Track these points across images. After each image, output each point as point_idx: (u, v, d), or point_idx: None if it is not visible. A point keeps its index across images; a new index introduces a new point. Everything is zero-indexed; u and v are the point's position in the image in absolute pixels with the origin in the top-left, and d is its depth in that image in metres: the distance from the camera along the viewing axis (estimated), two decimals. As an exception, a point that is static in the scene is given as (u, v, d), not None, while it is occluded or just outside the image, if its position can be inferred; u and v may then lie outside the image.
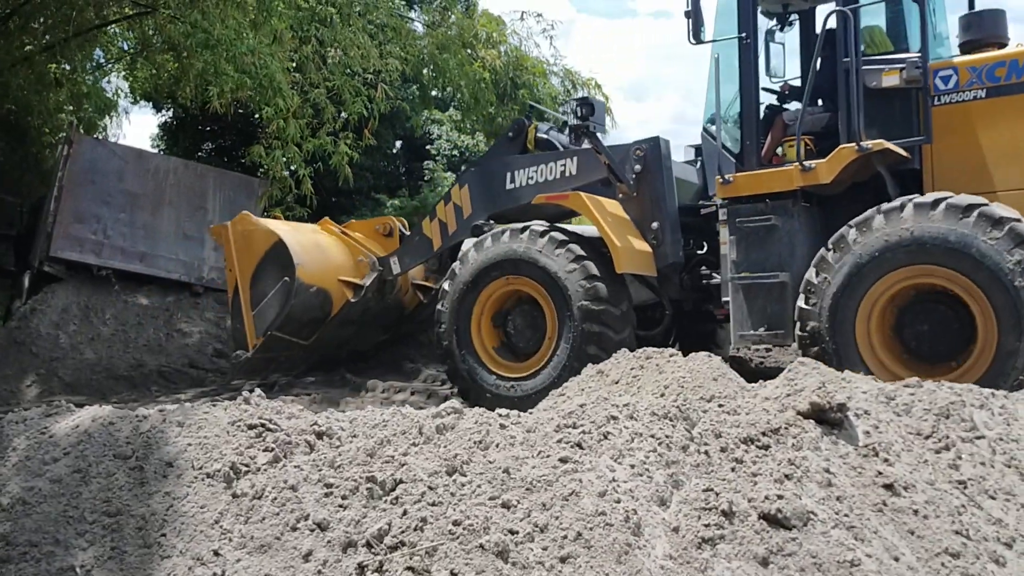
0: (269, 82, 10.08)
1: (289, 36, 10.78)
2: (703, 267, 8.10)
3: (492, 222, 8.34)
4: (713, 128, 7.71)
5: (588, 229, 7.88)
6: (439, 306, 7.99)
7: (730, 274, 6.95)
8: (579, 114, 7.96)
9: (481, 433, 3.04)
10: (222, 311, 11.76)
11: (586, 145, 8.10)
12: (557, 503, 2.75)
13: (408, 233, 9.44)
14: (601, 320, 7.09)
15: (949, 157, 6.63)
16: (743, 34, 7.23)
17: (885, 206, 6.12)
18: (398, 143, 26.95)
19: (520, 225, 7.71)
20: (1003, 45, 6.85)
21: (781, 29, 8.17)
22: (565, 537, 2.63)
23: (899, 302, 6.07)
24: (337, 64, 11.27)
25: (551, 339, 7.30)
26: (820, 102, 7.55)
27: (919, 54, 6.65)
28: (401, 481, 2.80)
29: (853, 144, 6.43)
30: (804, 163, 6.63)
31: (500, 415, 3.20)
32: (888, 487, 3.09)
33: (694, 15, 7.24)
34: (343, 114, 11.54)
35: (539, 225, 7.63)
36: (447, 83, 13.15)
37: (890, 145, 6.41)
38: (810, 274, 6.31)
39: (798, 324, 6.35)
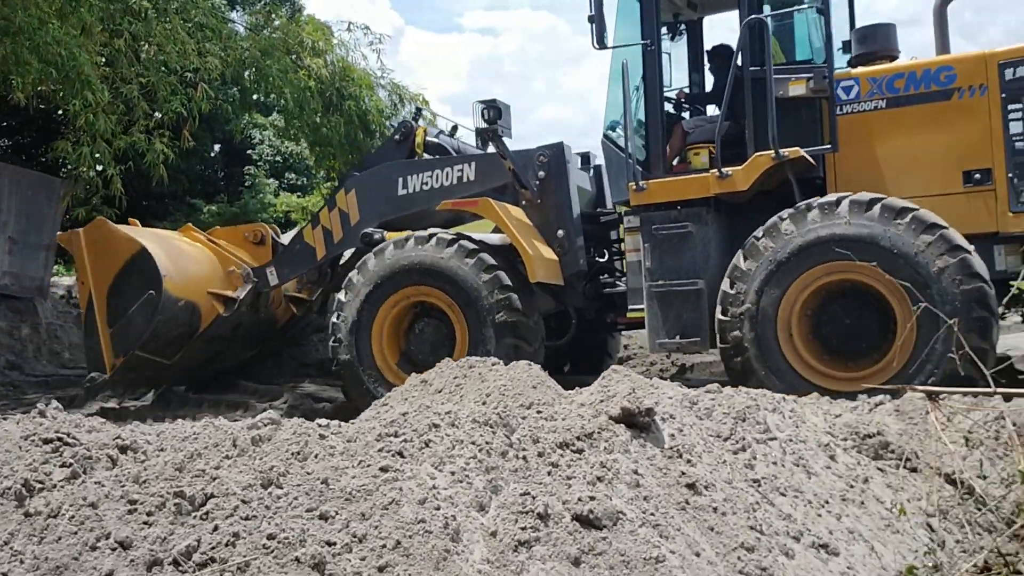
0: (77, 74, 9.40)
1: (99, 28, 10.14)
2: (604, 275, 8.15)
3: (383, 230, 7.98)
4: (615, 135, 7.68)
5: (491, 237, 7.70)
6: (334, 318, 7.56)
7: (645, 282, 6.92)
8: (486, 117, 7.76)
9: (299, 444, 2.98)
10: (14, 319, 10.88)
11: (490, 149, 7.92)
12: (377, 512, 2.74)
13: (282, 241, 8.89)
14: (516, 332, 6.93)
15: (851, 166, 6.85)
16: (647, 40, 7.23)
17: (787, 211, 6.24)
18: (217, 147, 25.96)
19: (426, 233, 7.41)
20: (894, 58, 7.16)
21: (672, 39, 8.24)
22: (384, 546, 2.62)
23: (815, 302, 6.18)
24: (152, 60, 10.71)
25: (461, 353, 7.04)
26: (714, 111, 7.75)
27: (824, 64, 6.79)
28: (212, 496, 2.70)
29: (770, 152, 6.54)
30: (722, 170, 6.66)
31: (320, 425, 3.15)
32: (690, 486, 3.28)
33: (598, 20, 7.17)
34: (157, 113, 10.99)
35: (446, 233, 7.37)
36: (270, 88, 12.79)
37: (804, 153, 6.56)
38: (725, 285, 6.35)
39: (719, 336, 6.35)
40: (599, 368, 9.04)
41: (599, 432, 3.45)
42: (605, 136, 7.71)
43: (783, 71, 6.87)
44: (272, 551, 2.53)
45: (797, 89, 6.75)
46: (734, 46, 7.62)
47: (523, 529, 2.86)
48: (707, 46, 8.30)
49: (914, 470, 3.94)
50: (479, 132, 8.08)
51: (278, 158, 25.64)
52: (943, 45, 7.01)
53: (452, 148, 8.61)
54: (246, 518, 2.64)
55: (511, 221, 7.27)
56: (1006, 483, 3.80)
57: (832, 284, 6.13)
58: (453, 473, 3.01)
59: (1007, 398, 4.34)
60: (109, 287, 7.97)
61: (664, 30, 7.96)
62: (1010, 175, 6.36)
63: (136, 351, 7.77)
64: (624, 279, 8.00)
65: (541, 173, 7.70)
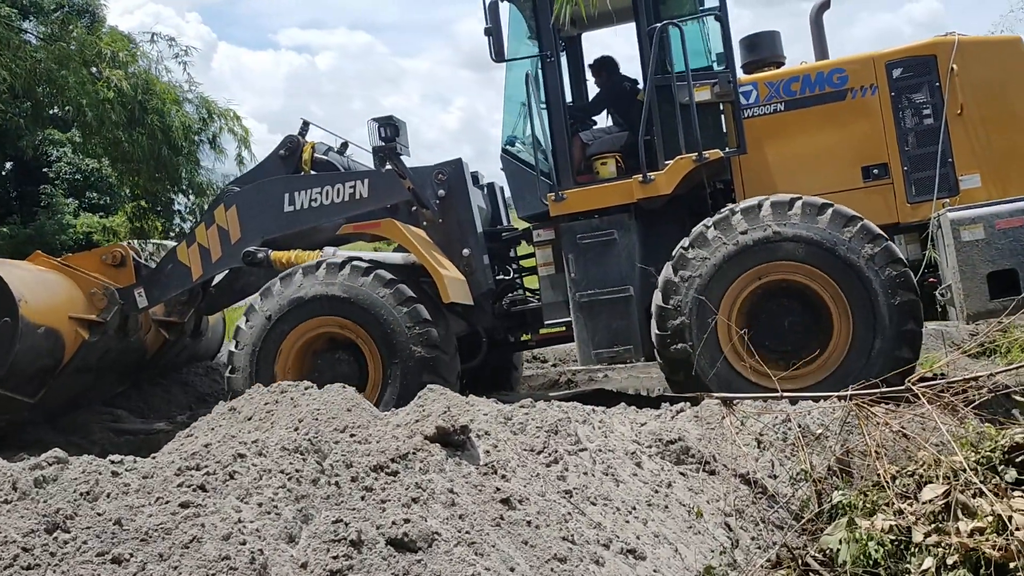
0: None
1: None
2: (512, 293, 7.92)
3: (267, 248, 7.45)
4: (515, 149, 7.52)
5: (392, 256, 7.35)
6: (232, 346, 7.00)
7: (571, 293, 6.76)
8: (383, 135, 7.42)
9: (89, 483, 2.78)
10: None
11: (387, 167, 7.54)
12: (176, 552, 2.60)
13: (143, 261, 8.14)
14: (435, 369, 6.64)
15: (756, 168, 7.00)
16: (547, 52, 7.12)
17: (710, 219, 6.30)
18: (8, 164, 24.05)
19: (339, 259, 6.99)
20: (780, 64, 7.38)
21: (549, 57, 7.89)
22: (184, 587, 2.49)
23: (752, 306, 6.23)
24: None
25: (374, 386, 6.71)
26: (609, 121, 7.73)
27: (727, 69, 6.90)
28: (-12, 545, 2.47)
29: (691, 155, 6.60)
30: (646, 175, 6.66)
31: (113, 461, 2.96)
32: (505, 502, 3.32)
33: (495, 34, 7.03)
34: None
35: (361, 260, 6.96)
36: (66, 101, 11.96)
37: (723, 155, 6.65)
38: (658, 299, 6.28)
39: (658, 349, 6.27)
40: (506, 385, 8.93)
41: (414, 453, 3.44)
42: (505, 151, 7.57)
43: (684, 78, 6.94)
44: (58, 602, 2.35)
45: (702, 95, 6.87)
46: (615, 59, 7.80)
47: (335, 558, 2.80)
48: (588, 60, 8.29)
49: (713, 473, 4.18)
50: (376, 150, 7.71)
51: (78, 176, 24.02)
52: (821, 51, 7.38)
53: (341, 165, 8.20)
54: (27, 567, 2.44)
55: (418, 241, 7.05)
56: (794, 481, 4.09)
57: (767, 285, 6.26)
58: (260, 504, 2.91)
59: (793, 401, 4.70)
60: None
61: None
62: (905, 168, 6.73)
63: (8, 386, 6.91)
64: (534, 295, 7.93)
65: (441, 191, 7.49)
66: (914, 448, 3.56)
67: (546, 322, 7.27)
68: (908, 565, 3.05)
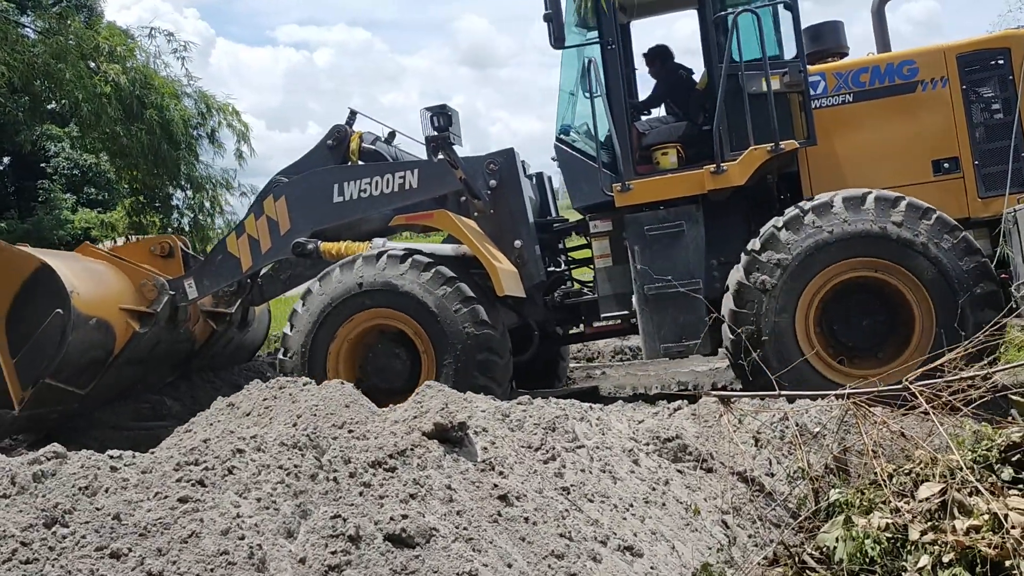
0: None
1: None
2: (564, 285, 7.79)
3: (316, 240, 7.38)
4: (571, 139, 7.39)
5: (443, 248, 7.26)
6: (288, 329, 6.92)
7: (636, 285, 6.64)
8: (436, 124, 7.23)
9: (88, 478, 2.78)
10: None
11: (440, 157, 7.39)
12: (175, 547, 2.60)
13: (190, 252, 8.10)
14: (489, 372, 6.56)
15: (823, 160, 6.86)
16: (608, 39, 7.00)
17: (812, 202, 6.20)
18: (6, 159, 24.01)
19: (400, 251, 6.91)
20: (844, 54, 7.28)
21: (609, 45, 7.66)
22: (183, 581, 2.50)
23: (829, 297, 6.12)
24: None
25: (428, 377, 6.56)
26: (664, 111, 7.59)
27: (796, 59, 6.75)
28: (-13, 539, 2.48)
29: (765, 145, 6.50)
30: (720, 166, 6.55)
31: (112, 456, 2.96)
32: (502, 498, 3.33)
33: (555, 19, 6.92)
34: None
35: (422, 255, 6.86)
36: (64, 96, 11.92)
37: (798, 145, 6.53)
38: (739, 276, 6.18)
39: (729, 326, 6.16)
40: (553, 382, 8.87)
41: (412, 449, 3.44)
42: (560, 141, 7.41)
43: (754, 67, 6.79)
44: (56, 596, 2.35)
45: (772, 84, 6.72)
46: (670, 48, 7.62)
47: (333, 553, 2.81)
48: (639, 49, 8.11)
49: (710, 470, 4.19)
50: (429, 140, 7.49)
51: (76, 171, 23.98)
52: (883, 43, 7.29)
53: (389, 155, 8.08)
54: (26, 562, 2.44)
55: (471, 233, 6.93)
56: (791, 479, 4.11)
57: (843, 283, 6.18)
58: (259, 500, 2.91)
59: (790, 400, 4.71)
60: (7, 312, 7.03)
61: (594, 35, 7.63)
62: (976, 163, 6.61)
63: (46, 380, 6.86)
64: (586, 287, 7.81)
65: (492, 182, 7.35)
66: (911, 447, 3.57)
67: (603, 316, 7.17)
68: (904, 563, 3.06)
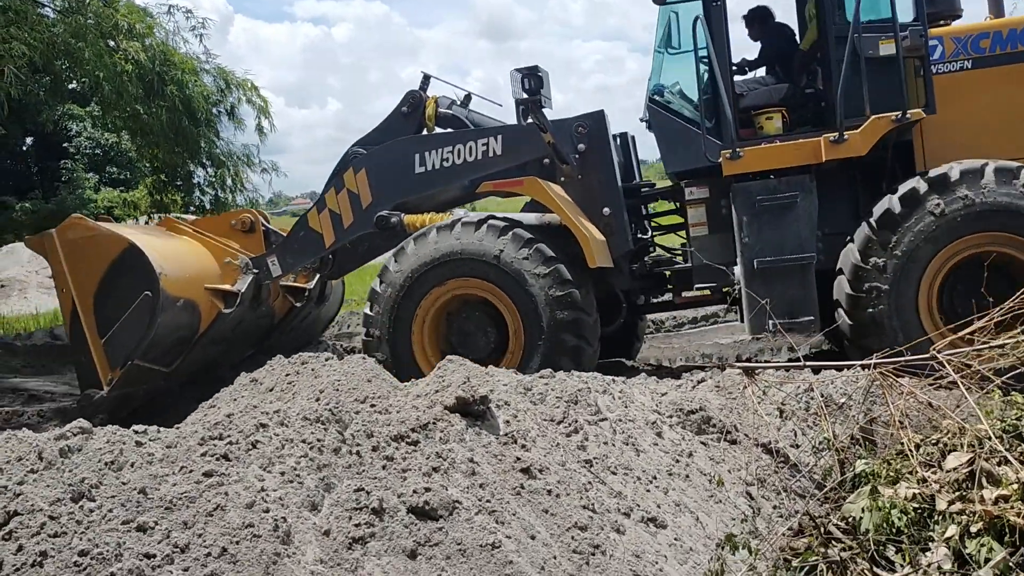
0: None
1: None
2: (649, 253, 7.50)
3: (399, 212, 7.17)
4: (666, 100, 7.12)
5: (526, 217, 7.02)
6: (368, 309, 6.78)
7: (743, 258, 6.38)
8: (527, 87, 6.84)
9: (114, 453, 2.81)
10: None
11: (529, 121, 7.03)
12: (200, 520, 2.62)
13: (272, 227, 7.91)
14: (578, 331, 6.39)
15: (939, 129, 6.49)
16: None
17: (929, 175, 5.97)
18: (29, 140, 24.14)
19: (475, 218, 6.72)
20: (956, 18, 6.90)
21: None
22: (209, 555, 2.52)
23: (951, 275, 5.91)
24: (-58, 43, 9.76)
25: (515, 349, 6.47)
26: (765, 73, 7.26)
27: (916, 22, 6.39)
28: (16, 513, 2.51)
29: (891, 113, 6.19)
30: (842, 134, 6.24)
31: (136, 431, 2.99)
32: (525, 471, 3.33)
33: None
34: (-50, 102, 10.03)
35: (499, 220, 6.66)
36: (84, 75, 11.94)
37: (923, 114, 6.23)
38: (852, 255, 5.97)
39: (849, 309, 6.01)
40: (630, 351, 8.56)
41: (434, 423, 3.45)
42: (653, 102, 7.09)
43: (871, 29, 6.40)
44: (84, 568, 2.38)
45: (887, 49, 6.36)
46: (771, 8, 7.32)
47: (357, 526, 2.83)
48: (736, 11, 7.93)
49: (734, 442, 4.17)
50: (520, 103, 7.09)
51: (97, 151, 24.08)
52: (996, 7, 6.98)
53: (469, 120, 7.75)
54: (55, 535, 2.47)
55: (561, 201, 6.68)
56: (816, 450, 4.08)
57: (966, 259, 5.96)
58: (283, 473, 2.93)
59: (815, 371, 4.66)
60: (95, 293, 7.01)
61: None
62: None
63: (136, 360, 6.87)
64: (673, 255, 7.53)
65: (581, 146, 7.01)
66: (938, 417, 3.53)
67: (696, 286, 6.88)
68: (931, 533, 3.03)
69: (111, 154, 23.89)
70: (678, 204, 7.47)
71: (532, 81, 6.82)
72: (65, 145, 23.81)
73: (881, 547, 3.05)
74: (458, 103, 8.01)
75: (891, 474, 3.38)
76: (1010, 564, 2.81)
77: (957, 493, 3.11)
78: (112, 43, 11.90)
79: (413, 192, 7.29)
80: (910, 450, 3.36)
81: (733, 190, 6.54)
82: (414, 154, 7.20)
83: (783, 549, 3.22)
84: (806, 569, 3.06)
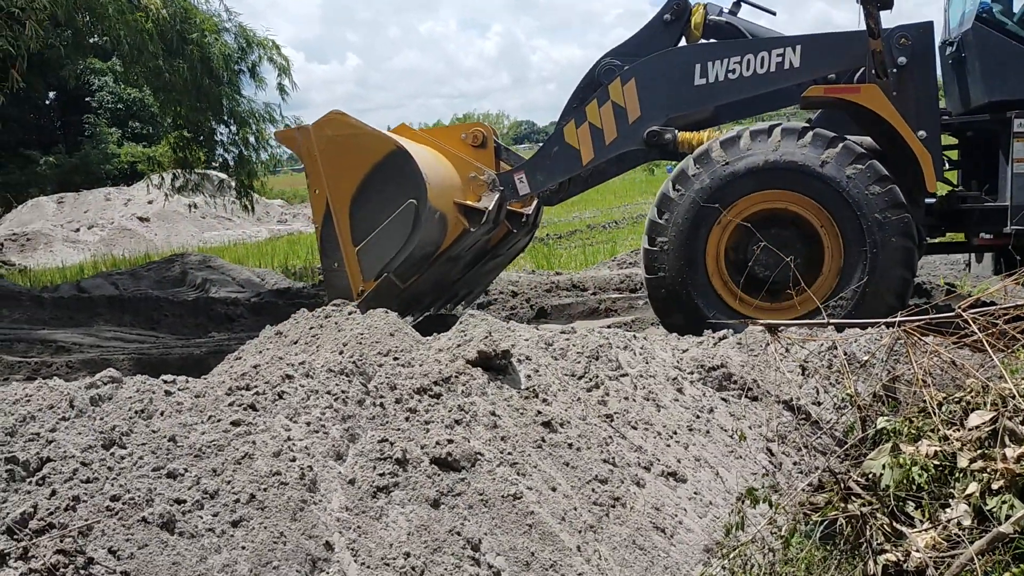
0: None
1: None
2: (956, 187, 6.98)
3: (674, 128, 6.72)
4: (997, 20, 6.59)
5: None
6: (655, 215, 6.32)
7: None
8: None
9: (143, 402, 2.85)
10: None
11: (861, 26, 6.32)
12: (229, 467, 2.67)
13: (501, 143, 7.43)
14: (908, 263, 5.99)
15: None
16: None
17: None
18: (52, 94, 24.23)
19: (798, 126, 6.30)
20: None
21: None
22: (237, 501, 2.57)
23: None
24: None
25: (830, 275, 6.11)
26: None
27: None
28: (49, 459, 2.56)
29: None
30: None
31: (165, 381, 3.03)
32: (546, 424, 3.36)
33: None
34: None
35: (825, 131, 6.23)
36: (105, 32, 11.93)
37: None
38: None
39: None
40: None
41: (456, 376, 3.48)
42: (982, 21, 6.53)
43: None
44: (116, 513, 2.43)
45: None
46: None
47: (381, 475, 2.87)
48: None
49: (755, 399, 4.18)
50: (866, 1, 6.24)
51: (120, 105, 24.19)
52: None
53: (747, 31, 7.14)
54: (87, 481, 2.53)
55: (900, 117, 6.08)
56: (838, 408, 4.09)
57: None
58: (308, 424, 2.97)
59: (839, 329, 4.65)
60: (354, 195, 6.56)
61: None
62: None
63: (391, 273, 6.51)
64: (992, 192, 6.78)
65: (901, 59, 6.35)
66: (962, 376, 3.51)
67: (1013, 227, 6.28)
68: (952, 490, 3.05)
69: (134, 109, 23.99)
70: (969, 136, 6.94)
71: None
72: (88, 100, 23.90)
73: (901, 503, 3.07)
74: (727, 10, 7.41)
75: (913, 432, 3.38)
76: (1031, 521, 2.81)
77: (979, 451, 3.12)
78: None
79: (690, 106, 6.80)
80: (933, 408, 3.35)
81: None
82: (695, 64, 6.71)
83: (803, 504, 3.25)
84: (825, 524, 3.09)
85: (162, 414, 2.85)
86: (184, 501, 2.52)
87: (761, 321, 4.35)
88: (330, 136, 6.63)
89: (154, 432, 2.74)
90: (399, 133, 7.30)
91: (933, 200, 6.67)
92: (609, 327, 6.13)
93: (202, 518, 2.51)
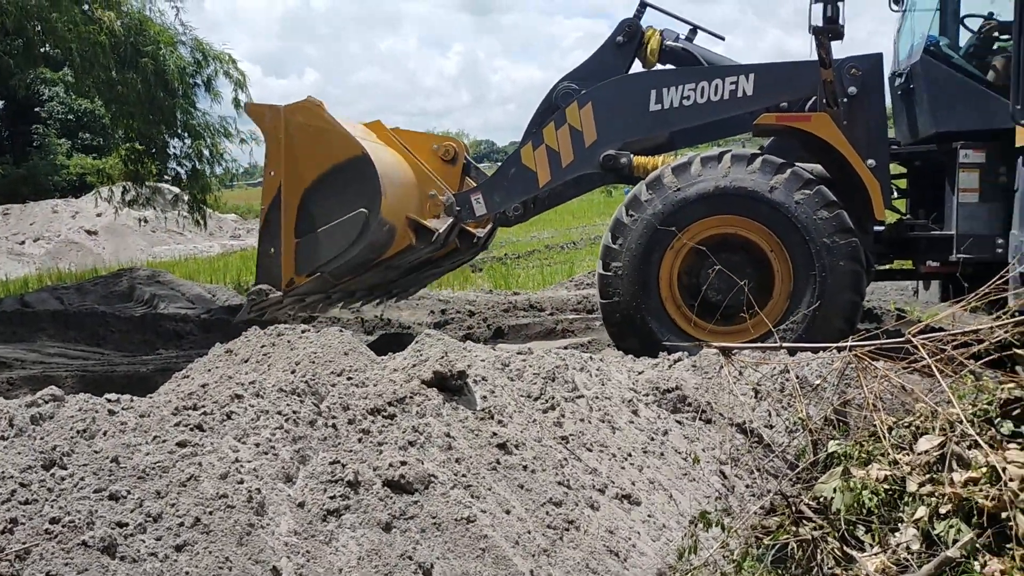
0: None
1: None
2: (905, 216, 7.04)
3: (629, 153, 6.75)
4: (943, 53, 6.66)
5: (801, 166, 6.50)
6: (610, 240, 6.34)
7: None
8: (828, 14, 6.13)
9: (86, 421, 2.77)
10: None
11: (813, 57, 6.36)
12: (174, 489, 2.60)
13: (472, 162, 7.39)
14: (857, 287, 6.01)
15: None
16: None
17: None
18: (0, 103, 23.73)
19: (747, 152, 6.36)
20: None
21: None
22: (182, 524, 2.50)
23: None
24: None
25: (780, 300, 6.15)
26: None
27: None
28: (-15, 480, 2.47)
29: None
30: None
31: (109, 400, 2.95)
32: (501, 446, 3.33)
33: None
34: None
35: (773, 157, 6.29)
36: (56, 43, 11.73)
37: None
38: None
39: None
40: None
41: (411, 397, 3.44)
42: (930, 54, 6.64)
43: None
44: (56, 536, 2.35)
45: None
46: None
47: (332, 498, 2.82)
48: None
49: (709, 421, 4.19)
50: (817, 31, 6.23)
51: (70, 116, 23.76)
52: None
53: (702, 57, 7.22)
54: (25, 502, 2.44)
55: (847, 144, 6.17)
56: (790, 431, 4.12)
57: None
58: (257, 445, 2.91)
59: (791, 352, 4.70)
60: (307, 188, 6.50)
61: None
62: None
63: (325, 272, 6.52)
64: (939, 220, 6.85)
65: (852, 89, 6.42)
66: (911, 400, 3.56)
67: (958, 255, 6.35)
68: (901, 514, 3.08)
69: (84, 120, 23.57)
70: (917, 165, 7.07)
71: (831, 8, 6.14)
72: (37, 110, 23.44)
73: (851, 527, 3.09)
74: (684, 36, 7.48)
75: (863, 455, 3.42)
76: (977, 545, 2.85)
77: (928, 475, 3.16)
78: (87, 7, 11.68)
79: (646, 131, 6.90)
80: (883, 432, 3.39)
81: None
82: (650, 90, 6.79)
83: (755, 527, 3.26)
84: (777, 547, 3.10)
85: (105, 434, 2.77)
86: (126, 524, 2.45)
87: (715, 344, 4.38)
88: (300, 123, 6.55)
89: (96, 453, 2.66)
90: (373, 129, 7.23)
91: (882, 228, 6.79)
92: (566, 348, 6.16)
93: (145, 542, 2.43)
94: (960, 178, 6.41)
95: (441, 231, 6.85)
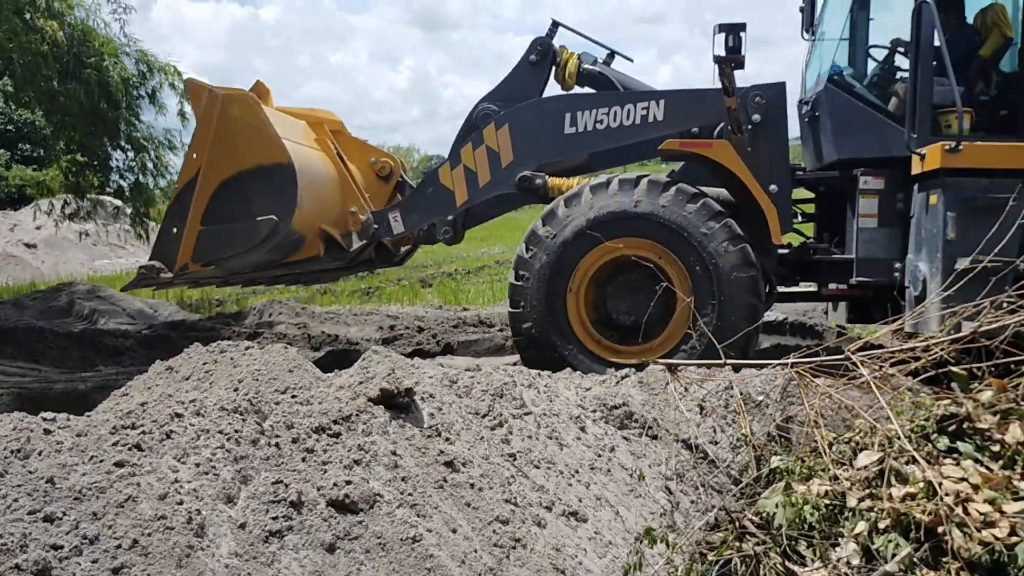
0: None
1: None
2: (808, 240, 7.22)
3: (544, 174, 6.84)
4: (847, 83, 6.82)
5: (707, 190, 6.66)
6: (514, 279, 6.40)
7: (945, 256, 5.96)
8: (730, 44, 6.28)
9: (20, 440, 2.69)
10: None
11: (717, 85, 6.52)
12: (111, 511, 2.54)
13: (407, 181, 7.35)
14: (754, 289, 6.12)
15: None
16: None
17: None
18: (-66, 113, 23.08)
19: (633, 176, 6.44)
20: None
21: None
22: (119, 547, 2.44)
23: None
24: None
25: (682, 316, 6.19)
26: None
27: None
28: (-89, 503, 2.38)
29: None
30: None
31: (44, 418, 2.87)
32: (448, 464, 3.31)
33: None
34: None
35: (658, 176, 6.45)
36: (-2, 54, 11.44)
37: None
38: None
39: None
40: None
41: (357, 415, 3.40)
42: (834, 83, 6.86)
43: None
44: (-15, 560, 2.27)
45: None
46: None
47: (275, 519, 2.77)
48: None
49: (655, 437, 4.23)
50: (720, 60, 6.39)
51: (10, 127, 23.18)
52: None
53: (618, 81, 7.36)
54: (-46, 526, 2.36)
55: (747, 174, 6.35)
56: (734, 447, 4.17)
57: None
58: (198, 465, 2.85)
59: (736, 369, 4.76)
60: (225, 180, 6.42)
61: None
62: None
63: (221, 264, 6.48)
64: (841, 244, 7.07)
65: (756, 116, 6.63)
66: (851, 416, 3.63)
67: (857, 279, 6.63)
68: (841, 529, 3.12)
69: (24, 131, 23.02)
70: (822, 190, 7.25)
71: (734, 39, 6.31)
72: (-26, 121, 22.84)
73: (793, 542, 3.13)
74: (601, 60, 7.62)
75: (805, 471, 3.47)
76: (915, 559, 2.91)
77: (867, 491, 3.21)
78: (28, 16, 11.42)
79: (561, 153, 7.00)
80: (823, 448, 3.44)
81: (945, 185, 6.16)
82: (565, 113, 6.92)
83: (699, 543, 3.28)
84: (721, 563, 3.12)
85: (40, 454, 2.69)
86: (61, 547, 2.38)
87: (660, 360, 4.41)
88: (234, 115, 6.48)
89: (31, 473, 2.59)
90: (319, 128, 7.25)
91: (786, 251, 7.03)
92: (515, 364, 6.15)
93: (80, 565, 2.37)
94: (860, 204, 6.63)
95: (352, 250, 6.93)
